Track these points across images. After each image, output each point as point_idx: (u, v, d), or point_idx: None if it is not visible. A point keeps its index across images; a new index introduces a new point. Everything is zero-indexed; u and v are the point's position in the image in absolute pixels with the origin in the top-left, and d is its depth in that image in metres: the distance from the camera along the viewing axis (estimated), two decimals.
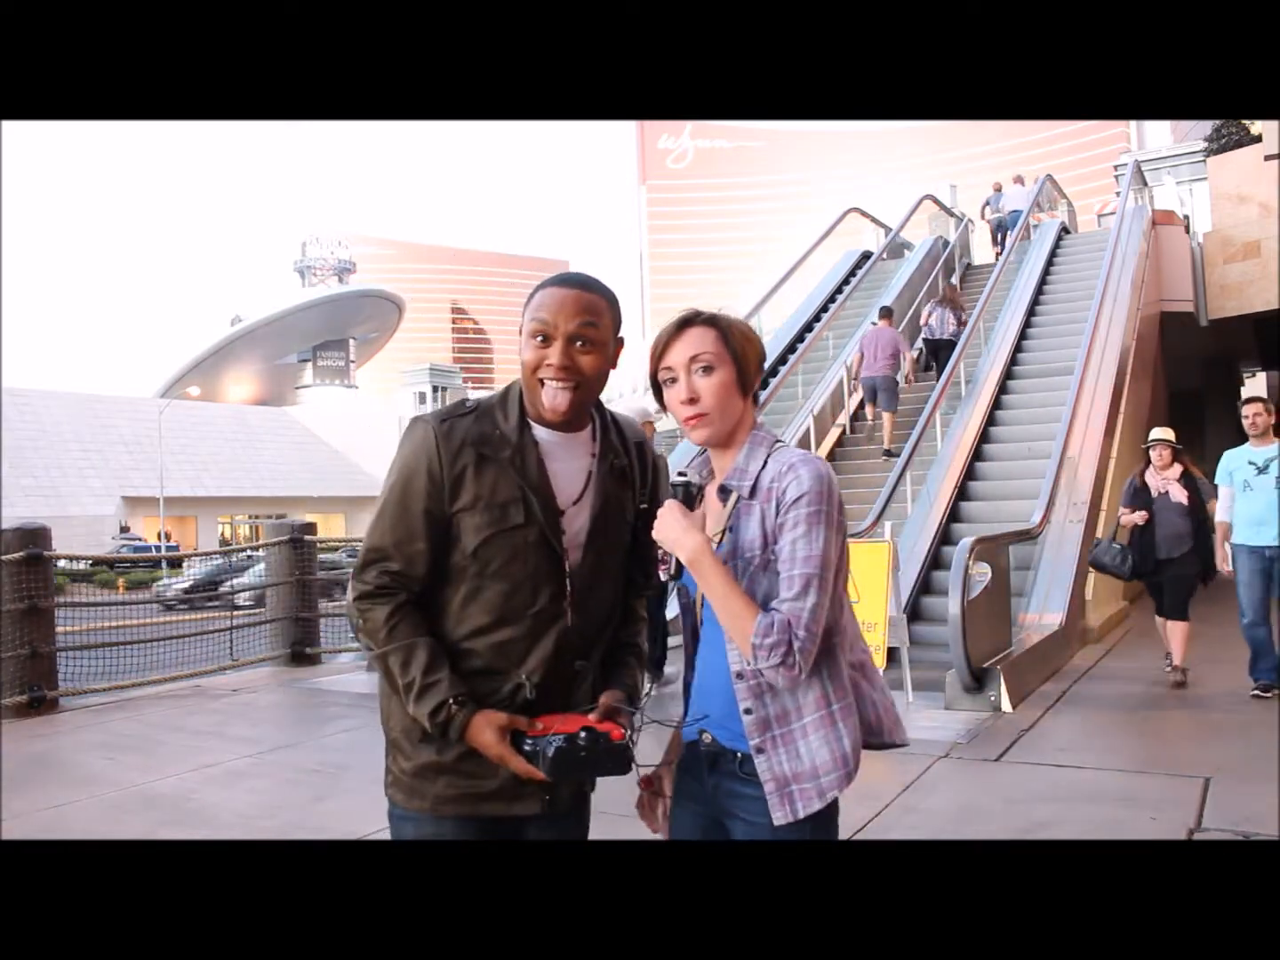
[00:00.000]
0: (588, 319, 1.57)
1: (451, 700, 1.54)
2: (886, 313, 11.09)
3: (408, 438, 1.63)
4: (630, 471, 1.71)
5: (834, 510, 1.52)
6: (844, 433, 11.14)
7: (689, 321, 1.60)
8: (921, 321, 11.75)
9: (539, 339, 1.57)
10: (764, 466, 1.57)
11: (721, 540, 1.59)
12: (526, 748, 1.53)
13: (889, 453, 9.96)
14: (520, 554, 1.59)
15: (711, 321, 1.60)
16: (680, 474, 1.60)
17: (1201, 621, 9.74)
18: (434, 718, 1.55)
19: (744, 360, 1.60)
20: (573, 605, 1.62)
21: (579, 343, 1.57)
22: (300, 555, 8.15)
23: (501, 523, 1.58)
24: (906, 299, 13.50)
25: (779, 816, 1.53)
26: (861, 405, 11.05)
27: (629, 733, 1.56)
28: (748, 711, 1.55)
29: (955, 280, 14.03)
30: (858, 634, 1.65)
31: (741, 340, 1.60)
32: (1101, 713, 5.70)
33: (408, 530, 1.59)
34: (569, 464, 1.65)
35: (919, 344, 11.96)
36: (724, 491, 1.61)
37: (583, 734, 1.50)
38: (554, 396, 1.58)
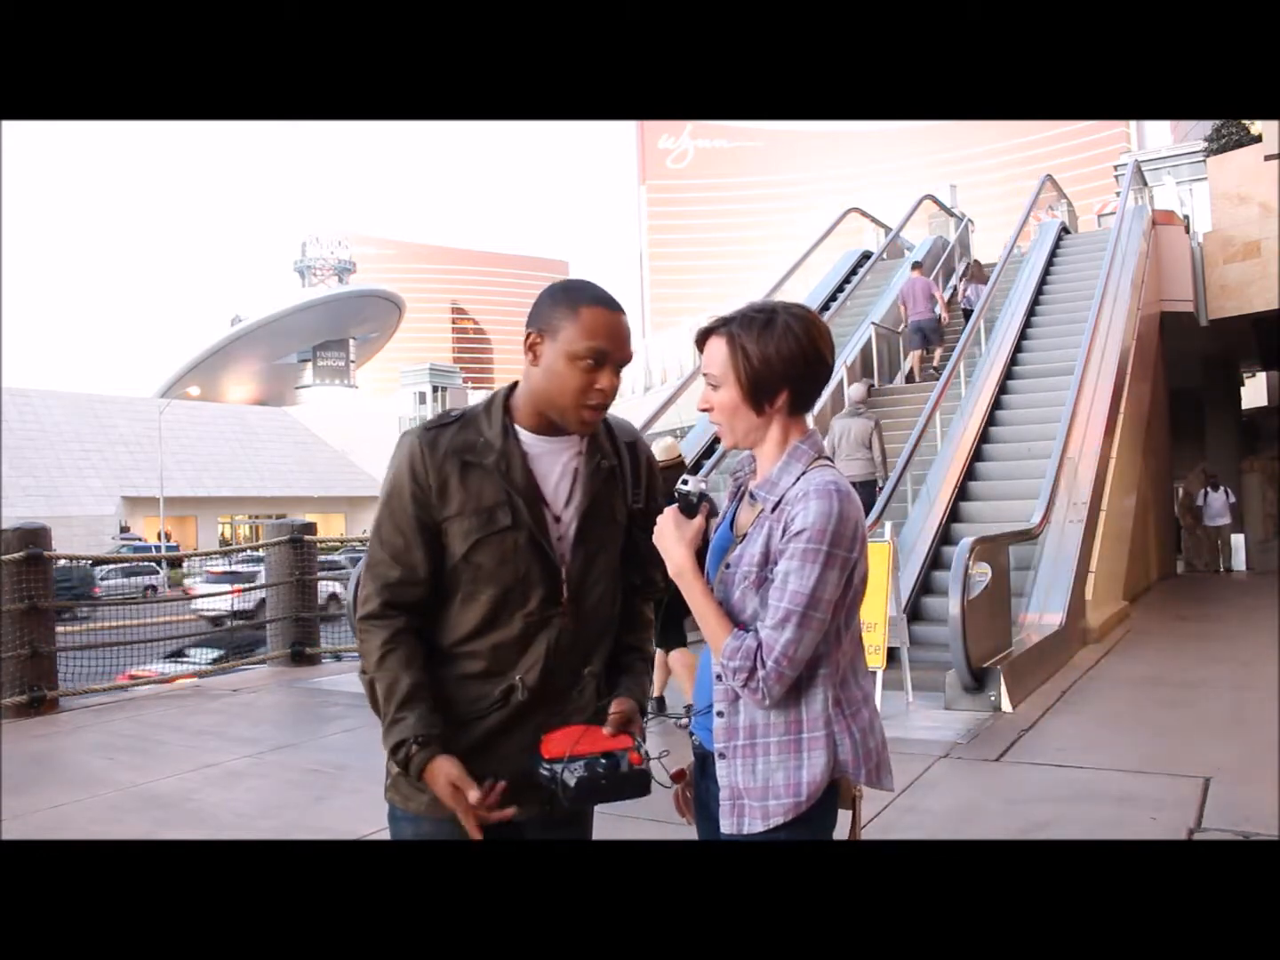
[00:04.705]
0: (631, 347, 1.61)
1: (413, 740, 1.54)
2: (917, 265, 12.62)
3: (395, 453, 1.64)
4: (620, 471, 1.70)
5: (838, 549, 1.47)
6: None
7: (710, 332, 1.59)
8: (958, 296, 13.15)
9: (590, 362, 1.55)
10: (795, 483, 1.54)
11: (739, 544, 1.58)
12: (544, 772, 1.52)
13: (936, 369, 11.47)
14: (510, 557, 1.59)
15: (728, 335, 1.56)
16: (683, 481, 1.61)
17: (1202, 620, 9.80)
18: (394, 754, 1.56)
19: (754, 381, 1.54)
20: (566, 607, 1.62)
21: (620, 368, 1.60)
22: (300, 555, 8.14)
23: (489, 526, 1.58)
24: None
25: (725, 825, 1.53)
26: (920, 351, 12.26)
27: (643, 746, 1.55)
28: (719, 714, 1.55)
29: (960, 273, 14.18)
30: (855, 670, 1.59)
31: (755, 358, 1.53)
32: (1101, 713, 5.70)
33: (404, 540, 1.60)
34: (556, 467, 1.65)
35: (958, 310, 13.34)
36: (754, 497, 1.60)
37: (603, 760, 1.50)
38: (592, 419, 1.61)
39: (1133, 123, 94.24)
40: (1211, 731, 5.11)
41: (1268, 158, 13.70)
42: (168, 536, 40.46)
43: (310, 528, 8.36)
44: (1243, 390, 20.14)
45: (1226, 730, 5.15)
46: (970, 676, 5.68)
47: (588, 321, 1.55)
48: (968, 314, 12.35)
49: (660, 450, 5.66)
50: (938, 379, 10.67)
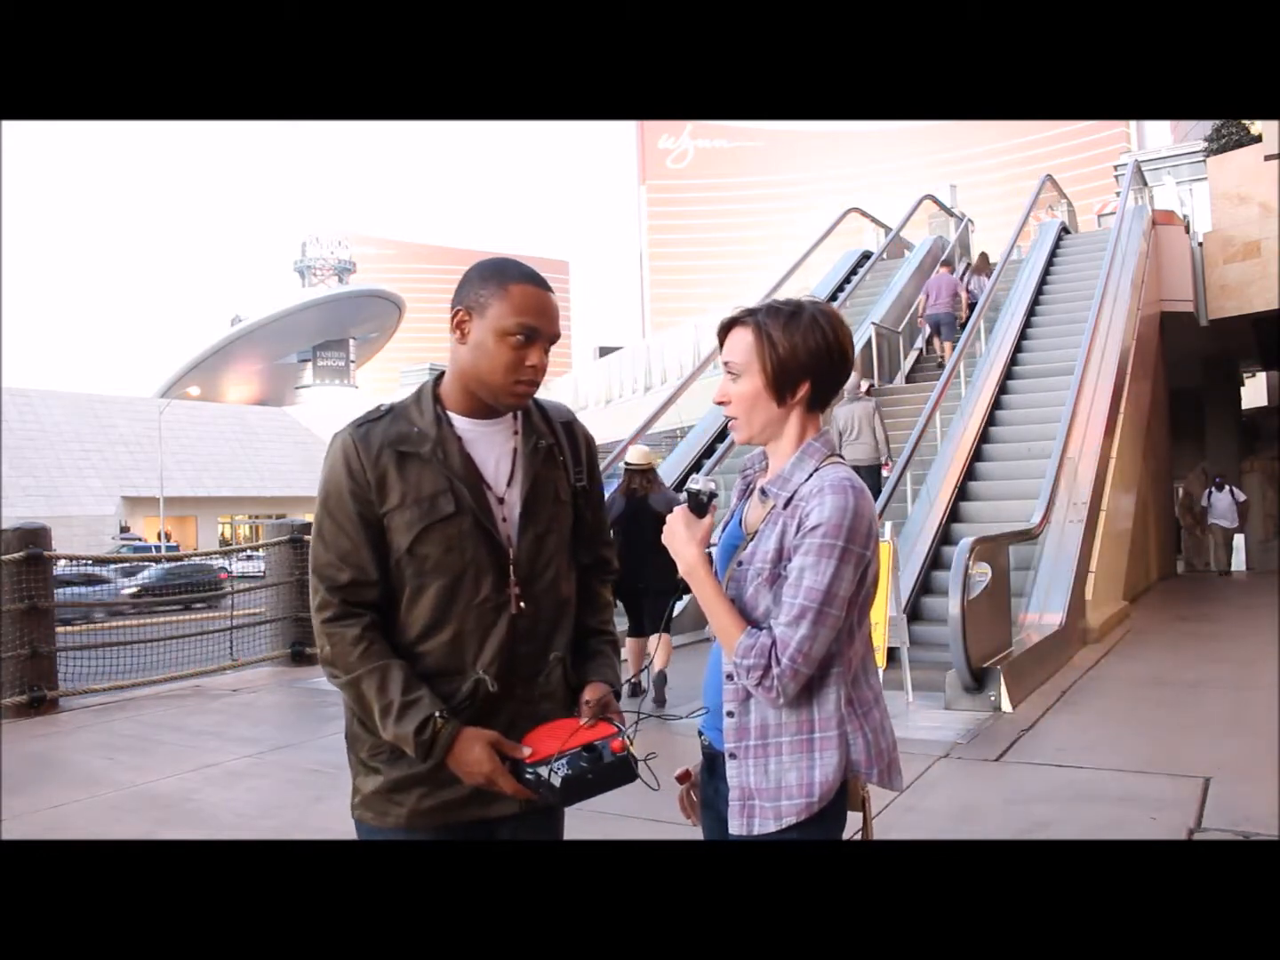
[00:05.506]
0: (559, 325, 1.61)
1: (437, 715, 1.51)
2: (947, 263, 13.43)
3: (328, 453, 1.61)
4: (558, 450, 1.69)
5: (853, 545, 1.46)
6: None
7: (735, 322, 1.58)
8: (964, 290, 13.32)
9: (520, 338, 1.55)
10: (807, 480, 1.52)
11: (750, 541, 1.57)
12: (529, 777, 1.50)
13: (940, 366, 11.91)
14: (456, 545, 1.57)
15: (754, 324, 1.55)
16: (693, 480, 1.61)
17: (1202, 620, 9.80)
18: (419, 735, 1.51)
19: (779, 369, 1.53)
20: (518, 591, 1.60)
21: (550, 345, 1.60)
22: (300, 555, 8.14)
23: (432, 514, 1.56)
24: (908, 298, 13.51)
25: (734, 826, 1.52)
26: (930, 340, 13.12)
27: (625, 733, 1.53)
28: (729, 714, 1.53)
29: (961, 271, 14.23)
30: (866, 669, 1.57)
31: (782, 347, 1.52)
32: (1101, 713, 5.70)
33: (349, 540, 1.57)
34: (493, 450, 1.63)
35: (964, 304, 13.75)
36: (765, 493, 1.58)
37: (585, 754, 1.48)
38: (525, 393, 1.60)
39: (1133, 123, 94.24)
40: (1211, 731, 5.11)
41: (1268, 158, 13.71)
42: (168, 536, 40.44)
43: (310, 528, 8.35)
44: (1243, 390, 20.14)
45: (1226, 730, 5.15)
46: (970, 676, 5.68)
47: (517, 298, 1.55)
48: (972, 306, 12.49)
49: (637, 455, 6.15)
50: (940, 365, 10.88)
